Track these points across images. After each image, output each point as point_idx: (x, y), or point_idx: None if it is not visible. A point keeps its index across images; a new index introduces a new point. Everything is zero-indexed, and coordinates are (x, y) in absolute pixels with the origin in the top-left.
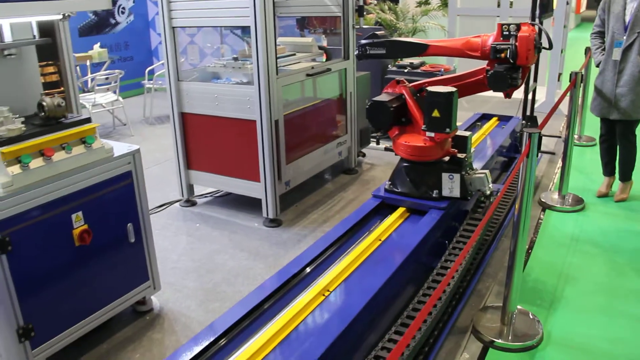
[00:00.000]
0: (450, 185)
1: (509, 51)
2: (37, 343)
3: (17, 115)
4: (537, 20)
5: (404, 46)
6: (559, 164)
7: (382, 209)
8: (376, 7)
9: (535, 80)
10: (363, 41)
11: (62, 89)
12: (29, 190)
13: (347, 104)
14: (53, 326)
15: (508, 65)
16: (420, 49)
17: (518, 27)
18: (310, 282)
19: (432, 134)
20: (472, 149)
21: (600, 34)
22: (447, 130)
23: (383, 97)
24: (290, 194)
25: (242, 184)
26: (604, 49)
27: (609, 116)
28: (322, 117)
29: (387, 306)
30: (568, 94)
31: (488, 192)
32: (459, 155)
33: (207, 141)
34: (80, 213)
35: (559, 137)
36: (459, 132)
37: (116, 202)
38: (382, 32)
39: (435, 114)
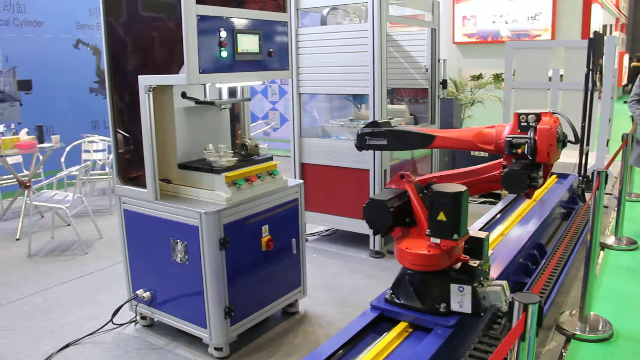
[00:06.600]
0: (460, 299)
1: (526, 146)
2: (234, 321)
3: (232, 151)
4: (589, 93)
5: (407, 137)
6: (612, 215)
7: (382, 322)
8: None
9: (587, 144)
10: (361, 130)
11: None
12: (239, 205)
13: (432, 161)
14: (244, 310)
15: (526, 163)
16: (426, 141)
17: (538, 117)
18: None
19: (438, 240)
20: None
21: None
22: (455, 236)
23: (383, 195)
24: None
25: (353, 222)
26: None
27: None
28: (413, 170)
29: None
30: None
31: (505, 309)
32: (472, 262)
33: (323, 186)
34: (267, 226)
35: (610, 194)
36: (473, 233)
37: (287, 220)
38: (385, 119)
39: (441, 217)
